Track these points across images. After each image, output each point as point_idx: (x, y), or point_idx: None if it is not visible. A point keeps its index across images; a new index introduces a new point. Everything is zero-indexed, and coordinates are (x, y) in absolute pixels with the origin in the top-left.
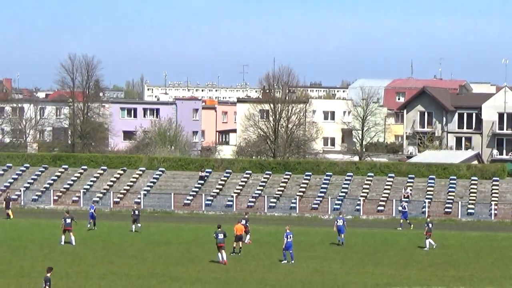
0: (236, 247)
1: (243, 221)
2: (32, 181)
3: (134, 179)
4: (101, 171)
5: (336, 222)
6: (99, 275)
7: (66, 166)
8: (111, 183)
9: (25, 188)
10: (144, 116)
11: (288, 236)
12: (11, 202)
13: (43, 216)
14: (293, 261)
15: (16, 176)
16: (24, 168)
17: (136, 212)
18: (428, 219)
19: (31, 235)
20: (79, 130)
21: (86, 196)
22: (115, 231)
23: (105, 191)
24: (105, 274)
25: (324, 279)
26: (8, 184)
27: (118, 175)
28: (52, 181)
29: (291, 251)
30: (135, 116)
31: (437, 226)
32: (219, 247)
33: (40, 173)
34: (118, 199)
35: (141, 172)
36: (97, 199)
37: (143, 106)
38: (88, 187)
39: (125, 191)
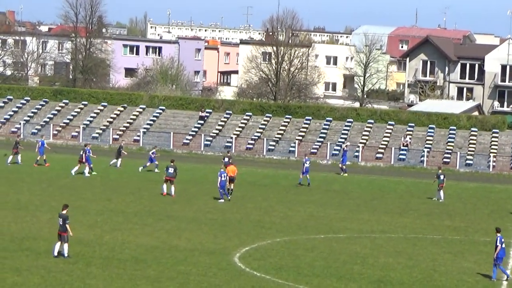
0: (229, 189)
1: (226, 159)
2: (32, 114)
3: (134, 117)
4: (102, 107)
5: (303, 163)
6: (96, 211)
7: (67, 101)
8: (111, 120)
9: (25, 122)
10: (146, 53)
11: (222, 175)
12: None
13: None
14: (229, 197)
15: (16, 109)
16: (25, 101)
17: (121, 147)
18: (440, 171)
19: (29, 168)
20: (80, 65)
21: (85, 131)
22: (114, 168)
23: (104, 127)
24: (102, 211)
25: (320, 224)
26: (8, 117)
27: (118, 112)
28: (52, 115)
29: (224, 190)
30: (137, 53)
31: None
32: (166, 180)
33: (40, 106)
34: (118, 136)
35: (141, 110)
36: (97, 135)
37: (146, 43)
38: (88, 122)
39: (124, 128)
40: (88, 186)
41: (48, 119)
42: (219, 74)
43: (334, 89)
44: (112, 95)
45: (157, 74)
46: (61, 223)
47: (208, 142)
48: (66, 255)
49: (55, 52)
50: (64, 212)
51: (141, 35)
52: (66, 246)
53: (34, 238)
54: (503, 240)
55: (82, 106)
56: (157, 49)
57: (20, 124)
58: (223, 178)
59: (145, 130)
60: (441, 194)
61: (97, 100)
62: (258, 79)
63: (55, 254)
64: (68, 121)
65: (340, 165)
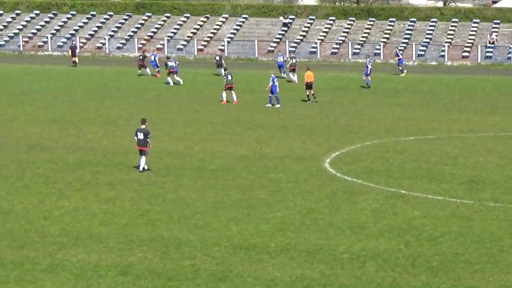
0: (310, 95)
1: (217, 58)
2: (116, 29)
3: (218, 26)
4: (184, 19)
5: (366, 65)
6: (184, 122)
7: (150, 14)
8: (195, 31)
9: (109, 36)
10: None
11: (274, 80)
12: (76, 50)
13: (128, 64)
14: (278, 105)
15: (100, 25)
16: (108, 16)
17: (217, 58)
18: None
19: (116, 83)
20: None
21: (170, 43)
22: (199, 79)
23: (188, 38)
24: (190, 122)
25: (409, 125)
26: (93, 33)
27: (202, 23)
28: (136, 29)
29: (276, 95)
30: None
31: None
32: (226, 88)
33: (123, 21)
34: (202, 47)
35: (224, 19)
36: (181, 47)
37: None
38: (172, 34)
39: (208, 39)
40: (174, 98)
41: (132, 33)
42: None
43: None
44: (194, 6)
45: None
46: (141, 138)
47: (293, 49)
48: (141, 168)
49: None
50: (144, 126)
51: None
52: (144, 159)
53: (125, 152)
54: None
55: (165, 18)
56: None
57: (104, 39)
58: (274, 83)
59: (229, 39)
60: None
61: (180, 11)
62: None
63: (141, 169)
64: (152, 34)
65: (399, 67)
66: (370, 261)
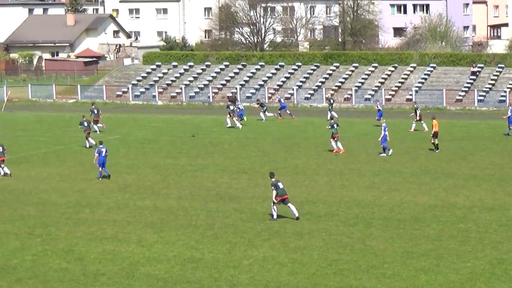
0: (435, 143)
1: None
2: (304, 79)
3: (405, 76)
4: (372, 68)
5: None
6: (373, 172)
7: (337, 64)
8: (382, 80)
9: (297, 87)
10: (414, 12)
11: (386, 130)
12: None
13: (315, 115)
14: (383, 154)
15: (288, 75)
16: (296, 67)
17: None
18: None
19: (304, 133)
20: (349, 28)
21: (357, 93)
22: (388, 128)
23: (376, 88)
24: (378, 171)
25: None
26: (281, 83)
27: (389, 72)
28: (323, 79)
29: (383, 145)
30: (405, 12)
31: None
32: (333, 137)
33: (311, 71)
34: (390, 96)
35: (412, 69)
36: (369, 96)
37: (413, 2)
38: (360, 84)
39: (396, 88)
40: (362, 148)
41: (320, 83)
42: (488, 28)
43: None
44: (382, 55)
45: (426, 32)
46: (281, 187)
47: (482, 97)
48: (297, 214)
49: (323, 16)
50: (273, 179)
51: None
52: (293, 206)
53: (313, 201)
54: None
55: (353, 68)
56: (424, 7)
57: (292, 89)
58: (386, 132)
59: (417, 88)
60: None
61: (367, 61)
62: None
63: (297, 215)
64: (339, 84)
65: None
66: None
